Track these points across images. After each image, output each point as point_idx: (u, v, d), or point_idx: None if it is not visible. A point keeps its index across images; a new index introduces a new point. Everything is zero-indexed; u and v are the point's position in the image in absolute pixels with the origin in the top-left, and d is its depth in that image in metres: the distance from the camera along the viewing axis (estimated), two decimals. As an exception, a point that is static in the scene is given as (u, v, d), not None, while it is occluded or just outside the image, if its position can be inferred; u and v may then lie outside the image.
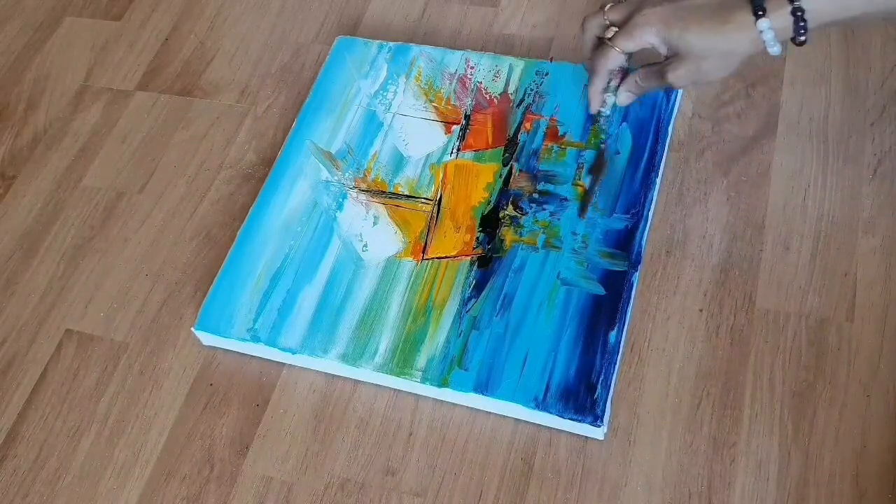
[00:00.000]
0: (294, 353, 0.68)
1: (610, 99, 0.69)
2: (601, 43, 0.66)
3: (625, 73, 0.69)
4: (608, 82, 0.69)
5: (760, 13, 0.57)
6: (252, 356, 0.70)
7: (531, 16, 0.87)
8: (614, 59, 0.66)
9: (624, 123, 0.75)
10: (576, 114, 0.76)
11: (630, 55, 0.66)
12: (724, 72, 0.62)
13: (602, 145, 0.74)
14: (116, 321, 0.74)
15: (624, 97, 0.69)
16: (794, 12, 0.56)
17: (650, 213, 0.71)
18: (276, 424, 0.67)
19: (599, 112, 0.70)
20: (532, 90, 0.79)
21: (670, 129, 0.75)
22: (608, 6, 0.65)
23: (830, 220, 0.70)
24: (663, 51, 0.63)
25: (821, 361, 0.64)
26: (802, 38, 0.57)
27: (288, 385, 0.69)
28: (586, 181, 0.72)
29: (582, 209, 0.71)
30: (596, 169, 0.73)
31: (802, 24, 0.56)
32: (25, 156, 0.86)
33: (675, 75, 0.63)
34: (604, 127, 0.73)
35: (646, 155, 0.74)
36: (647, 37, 0.62)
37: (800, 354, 0.65)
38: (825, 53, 0.79)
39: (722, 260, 0.70)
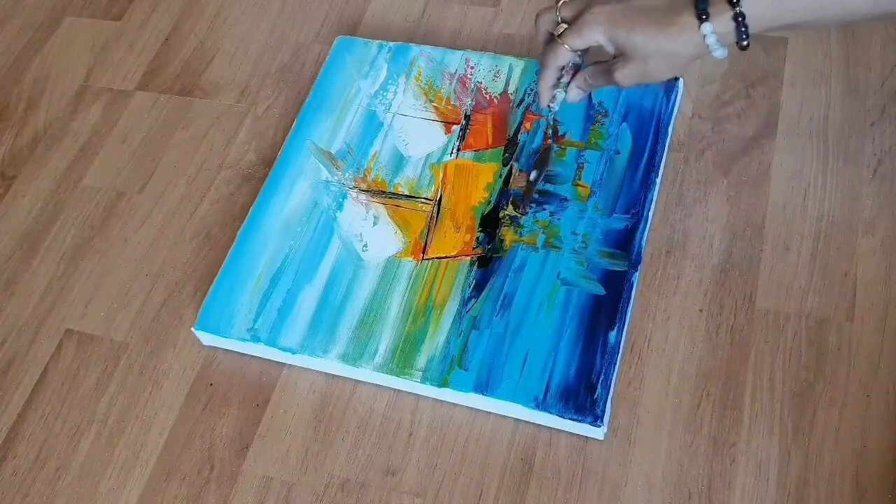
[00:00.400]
0: (294, 353, 0.68)
1: (560, 95, 0.69)
2: (552, 39, 0.66)
3: (576, 69, 0.68)
4: (559, 78, 0.68)
5: (704, 17, 0.57)
6: (252, 356, 0.70)
7: (531, 16, 0.87)
8: (563, 55, 0.65)
9: (624, 123, 0.75)
10: (575, 114, 0.77)
11: (579, 52, 0.66)
12: (670, 73, 0.62)
13: (548, 139, 0.74)
14: (116, 321, 0.74)
15: (573, 94, 0.69)
16: (735, 17, 0.56)
17: (650, 213, 0.71)
18: (276, 424, 0.67)
19: (549, 107, 0.70)
20: (532, 90, 0.79)
21: (670, 129, 0.75)
22: (561, 2, 0.65)
23: (830, 220, 0.70)
24: (611, 49, 0.63)
25: (821, 361, 0.64)
26: (745, 42, 0.57)
27: (288, 385, 0.69)
28: (531, 175, 0.73)
29: (523, 200, 0.72)
30: (539, 163, 0.74)
31: (744, 28, 0.57)
32: (25, 156, 0.86)
33: (622, 74, 0.63)
34: (551, 122, 0.73)
35: (646, 155, 0.74)
36: (594, 35, 0.62)
37: (800, 354, 0.65)
38: (825, 53, 0.79)
39: (722, 260, 0.70)
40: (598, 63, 0.66)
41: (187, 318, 0.73)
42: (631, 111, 0.76)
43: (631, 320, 0.67)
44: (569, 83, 0.68)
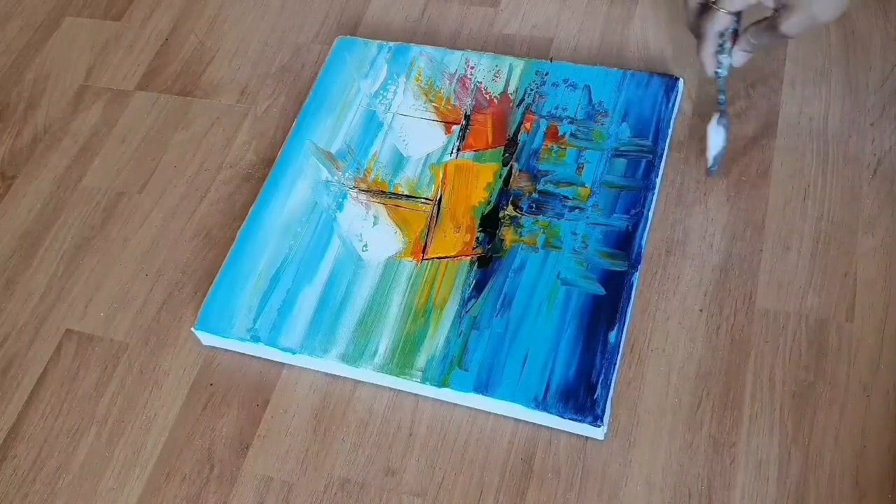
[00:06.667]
0: (294, 353, 0.68)
1: (725, 60, 0.69)
2: (706, 7, 0.67)
3: (735, 34, 0.69)
4: (721, 45, 0.69)
5: None
6: (252, 356, 0.70)
7: (531, 16, 0.87)
8: (722, 20, 0.66)
9: (624, 123, 0.75)
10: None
11: (738, 15, 0.66)
12: (837, 10, 0.61)
13: (721, 107, 0.72)
14: (116, 321, 0.74)
15: (739, 57, 0.69)
16: None
17: (650, 213, 0.71)
18: (276, 424, 0.67)
19: (716, 73, 0.70)
20: (532, 90, 0.79)
21: (670, 129, 0.75)
22: None
23: (830, 220, 0.70)
24: (770, 4, 0.63)
25: (821, 361, 0.64)
26: None
27: (288, 385, 0.69)
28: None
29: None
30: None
31: None
32: (25, 156, 0.86)
33: (788, 24, 0.63)
34: (722, 87, 0.72)
35: (646, 155, 0.74)
36: None
37: (800, 354, 0.65)
38: (825, 53, 0.79)
39: (722, 260, 0.70)
40: (759, 21, 0.66)
41: (187, 318, 0.73)
42: (631, 111, 0.76)
43: (631, 320, 0.67)
44: (731, 47, 0.68)
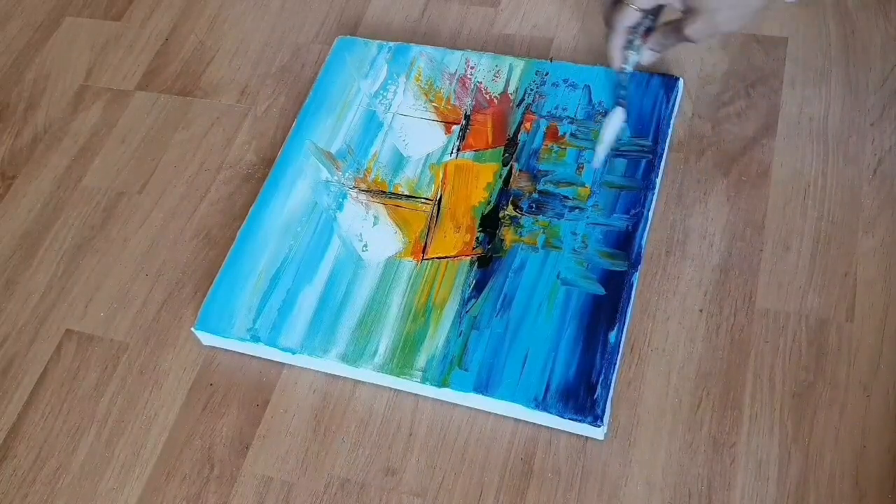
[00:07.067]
0: (294, 353, 0.68)
1: (633, 57, 0.70)
2: (619, 1, 0.67)
3: (648, 32, 0.69)
4: (630, 41, 0.69)
5: None
6: (252, 356, 0.70)
7: (531, 16, 0.87)
8: (630, 16, 0.66)
9: (624, 123, 0.75)
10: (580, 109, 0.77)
11: (648, 13, 0.66)
12: (739, 23, 0.62)
13: (621, 101, 0.74)
14: (116, 321, 0.74)
15: (647, 55, 0.70)
16: None
17: (650, 213, 0.71)
18: (276, 424, 0.67)
19: (622, 69, 0.71)
20: (532, 90, 0.79)
21: (670, 129, 0.75)
22: None
23: (830, 220, 0.70)
24: (678, 6, 0.63)
25: (821, 361, 0.64)
26: None
27: (288, 385, 0.69)
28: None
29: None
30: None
31: None
32: (25, 156, 0.86)
33: (692, 29, 0.64)
34: (625, 84, 0.73)
35: (646, 155, 0.74)
36: None
37: (800, 354, 0.65)
38: (825, 53, 0.79)
39: (722, 260, 0.70)
40: (668, 23, 0.66)
41: (187, 318, 0.73)
42: (631, 111, 0.76)
43: (631, 320, 0.67)
44: (640, 45, 0.69)
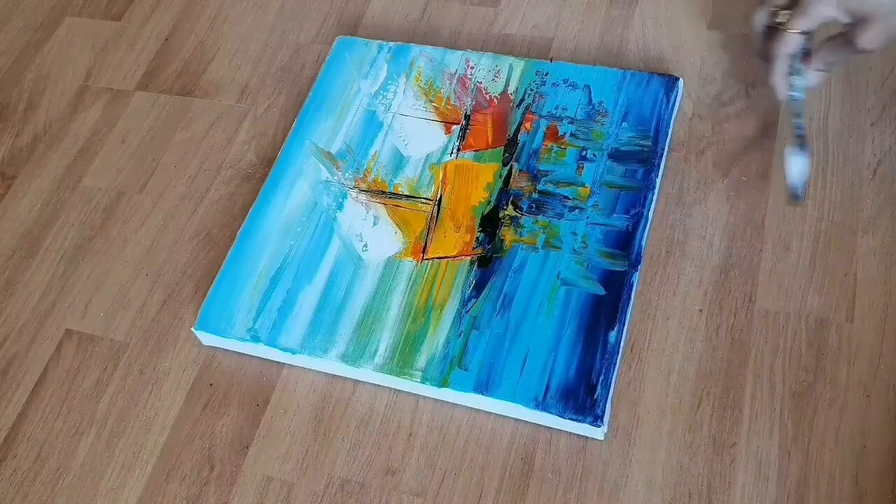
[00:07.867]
0: (294, 353, 0.68)
1: (799, 81, 0.67)
2: (773, 30, 0.65)
3: (806, 54, 0.67)
4: (792, 66, 0.67)
5: None
6: (252, 356, 0.70)
7: (531, 16, 0.87)
8: (792, 42, 0.64)
9: (624, 123, 0.75)
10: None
11: (808, 34, 0.64)
12: None
13: (800, 132, 0.68)
14: (116, 321, 0.74)
15: (815, 77, 0.67)
16: None
17: (650, 213, 0.71)
18: (276, 424, 0.67)
19: (791, 96, 0.68)
20: (532, 90, 0.79)
21: (670, 129, 0.75)
22: None
23: (830, 220, 0.70)
24: (844, 19, 0.61)
25: (821, 361, 0.64)
26: None
27: (288, 385, 0.69)
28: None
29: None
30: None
31: None
32: (25, 156, 0.86)
33: (867, 39, 0.61)
34: (799, 111, 0.69)
35: (645, 155, 0.74)
36: (824, 10, 0.60)
37: (800, 354, 0.65)
38: (825, 53, 0.79)
39: (722, 260, 0.70)
40: (832, 38, 0.64)
41: (187, 318, 0.73)
42: (631, 111, 0.76)
43: (631, 320, 0.67)
44: (804, 69, 0.66)
